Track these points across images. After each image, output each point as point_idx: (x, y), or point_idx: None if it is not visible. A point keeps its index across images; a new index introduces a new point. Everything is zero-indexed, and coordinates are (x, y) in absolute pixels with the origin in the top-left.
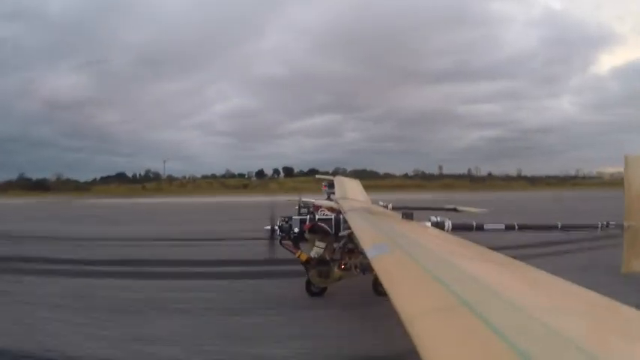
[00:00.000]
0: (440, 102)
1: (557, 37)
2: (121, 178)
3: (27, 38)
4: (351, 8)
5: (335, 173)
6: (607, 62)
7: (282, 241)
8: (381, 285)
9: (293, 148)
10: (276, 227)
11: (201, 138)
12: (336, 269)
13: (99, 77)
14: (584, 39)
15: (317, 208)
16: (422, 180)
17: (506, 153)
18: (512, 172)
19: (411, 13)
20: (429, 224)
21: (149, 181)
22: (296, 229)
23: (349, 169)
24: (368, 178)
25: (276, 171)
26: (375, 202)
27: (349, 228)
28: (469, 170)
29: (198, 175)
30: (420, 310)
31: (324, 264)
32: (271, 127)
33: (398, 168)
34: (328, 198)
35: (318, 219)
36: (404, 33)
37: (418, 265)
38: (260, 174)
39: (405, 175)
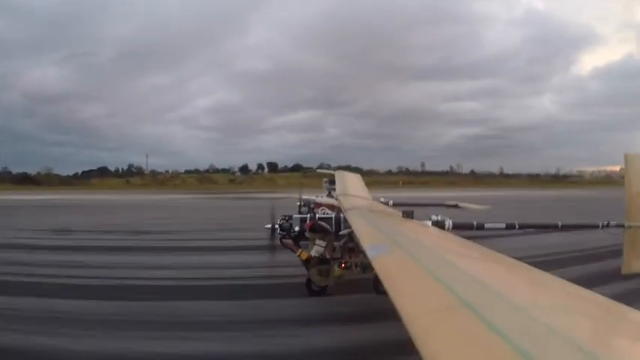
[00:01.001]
0: (422, 99)
1: (539, 36)
2: (103, 172)
3: (10, 31)
4: (335, 4)
5: (319, 169)
6: (588, 62)
7: (283, 240)
8: (381, 284)
9: (276, 143)
10: (277, 226)
11: (184, 132)
12: (336, 268)
13: (82, 71)
14: (566, 39)
15: (318, 206)
16: (406, 176)
17: (487, 151)
18: (494, 170)
19: (395, 10)
20: (429, 223)
21: (132, 176)
22: (296, 228)
23: (333, 164)
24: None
25: (260, 166)
26: (375, 198)
27: (350, 227)
28: (451, 167)
29: (182, 170)
30: (420, 310)
31: (325, 263)
32: (255, 121)
33: (379, 164)
34: (329, 194)
35: (319, 218)
36: (387, 30)
37: (418, 265)
38: (244, 169)
39: (389, 172)
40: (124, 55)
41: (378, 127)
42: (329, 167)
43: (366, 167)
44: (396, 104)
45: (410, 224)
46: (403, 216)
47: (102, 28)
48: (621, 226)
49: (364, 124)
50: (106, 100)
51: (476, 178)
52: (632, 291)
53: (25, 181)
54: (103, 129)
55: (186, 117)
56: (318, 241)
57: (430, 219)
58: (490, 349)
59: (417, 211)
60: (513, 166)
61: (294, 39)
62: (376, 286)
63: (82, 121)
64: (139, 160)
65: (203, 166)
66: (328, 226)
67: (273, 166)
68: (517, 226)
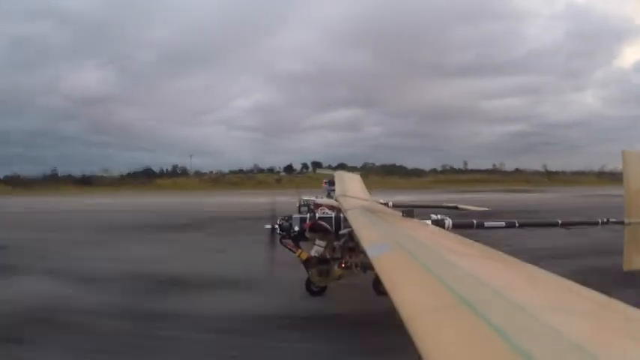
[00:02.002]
0: (462, 97)
1: (580, 30)
2: (148, 173)
3: (53, 36)
4: (374, 3)
5: (363, 168)
6: (631, 55)
7: (283, 240)
8: (381, 284)
9: (317, 142)
10: (277, 226)
11: (226, 133)
12: (336, 268)
13: (124, 74)
14: (608, 32)
15: (317, 206)
16: (450, 175)
17: (528, 148)
18: (538, 168)
19: (434, 7)
20: (429, 222)
21: (177, 177)
22: (296, 228)
23: (377, 163)
24: (397, 173)
25: (304, 165)
26: (374, 200)
27: (349, 226)
28: (494, 165)
29: (226, 170)
30: (420, 309)
31: (325, 263)
32: (295, 121)
33: (422, 163)
34: (329, 195)
35: (319, 217)
36: (426, 27)
37: (419, 264)
38: (289, 169)
39: (434, 170)
40: (163, 59)
41: (418, 126)
42: (373, 166)
43: (410, 166)
44: (436, 102)
45: (410, 223)
46: (403, 215)
47: (143, 32)
48: (621, 222)
49: (404, 123)
50: (146, 103)
51: (550, 177)
52: None
53: (87, 182)
54: (144, 131)
55: (227, 118)
56: (318, 241)
57: (430, 218)
58: (490, 348)
59: (416, 211)
60: (555, 163)
61: (332, 38)
62: (376, 285)
63: (124, 124)
64: (182, 161)
65: (247, 165)
66: (328, 226)
67: (317, 166)
68: (517, 225)
